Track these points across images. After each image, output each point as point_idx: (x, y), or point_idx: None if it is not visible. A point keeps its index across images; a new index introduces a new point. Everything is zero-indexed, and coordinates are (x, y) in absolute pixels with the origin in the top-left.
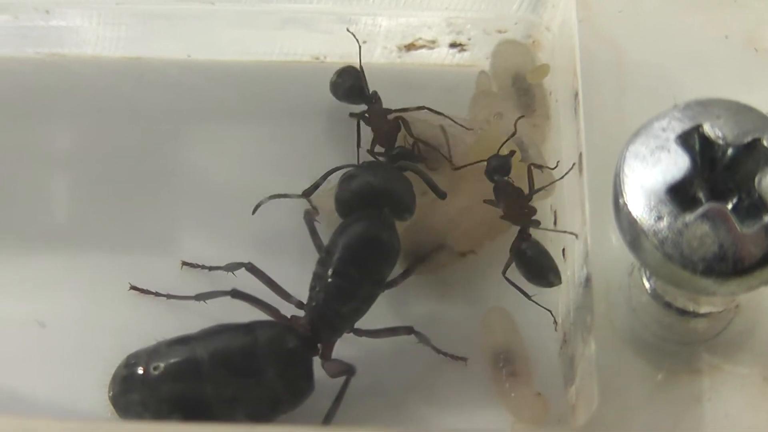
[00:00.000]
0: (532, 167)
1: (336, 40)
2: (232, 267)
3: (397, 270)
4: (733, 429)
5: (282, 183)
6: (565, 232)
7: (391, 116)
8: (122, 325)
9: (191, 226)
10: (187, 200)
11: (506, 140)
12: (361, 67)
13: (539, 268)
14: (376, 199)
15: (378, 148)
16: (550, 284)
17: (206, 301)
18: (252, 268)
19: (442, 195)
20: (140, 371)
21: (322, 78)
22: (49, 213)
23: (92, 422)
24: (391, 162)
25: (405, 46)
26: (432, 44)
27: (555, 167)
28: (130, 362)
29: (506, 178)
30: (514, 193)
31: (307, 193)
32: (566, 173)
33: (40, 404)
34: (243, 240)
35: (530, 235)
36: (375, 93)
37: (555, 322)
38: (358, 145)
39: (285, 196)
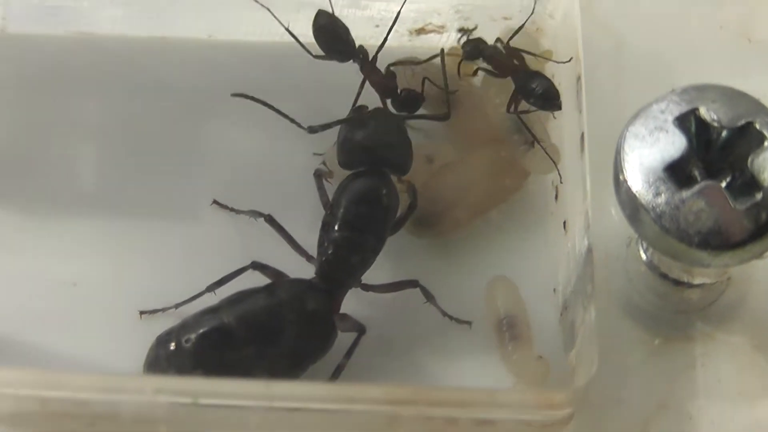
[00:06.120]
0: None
1: (351, 22)
2: (254, 214)
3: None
4: (725, 393)
5: (298, 155)
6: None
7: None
8: (146, 285)
9: (212, 194)
10: (209, 171)
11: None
12: (343, 25)
13: (546, 91)
14: (374, 155)
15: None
16: (556, 105)
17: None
18: (271, 220)
19: (444, 117)
20: (172, 347)
21: None
22: (80, 181)
23: (116, 376)
24: (401, 108)
25: (416, 31)
26: (441, 29)
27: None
28: (161, 341)
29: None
30: (506, 57)
31: (312, 130)
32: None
33: (69, 359)
34: (260, 204)
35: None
36: (361, 47)
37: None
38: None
39: (293, 120)
